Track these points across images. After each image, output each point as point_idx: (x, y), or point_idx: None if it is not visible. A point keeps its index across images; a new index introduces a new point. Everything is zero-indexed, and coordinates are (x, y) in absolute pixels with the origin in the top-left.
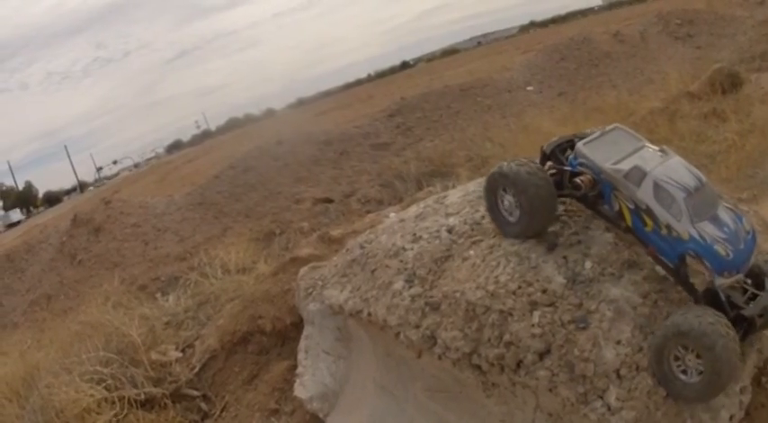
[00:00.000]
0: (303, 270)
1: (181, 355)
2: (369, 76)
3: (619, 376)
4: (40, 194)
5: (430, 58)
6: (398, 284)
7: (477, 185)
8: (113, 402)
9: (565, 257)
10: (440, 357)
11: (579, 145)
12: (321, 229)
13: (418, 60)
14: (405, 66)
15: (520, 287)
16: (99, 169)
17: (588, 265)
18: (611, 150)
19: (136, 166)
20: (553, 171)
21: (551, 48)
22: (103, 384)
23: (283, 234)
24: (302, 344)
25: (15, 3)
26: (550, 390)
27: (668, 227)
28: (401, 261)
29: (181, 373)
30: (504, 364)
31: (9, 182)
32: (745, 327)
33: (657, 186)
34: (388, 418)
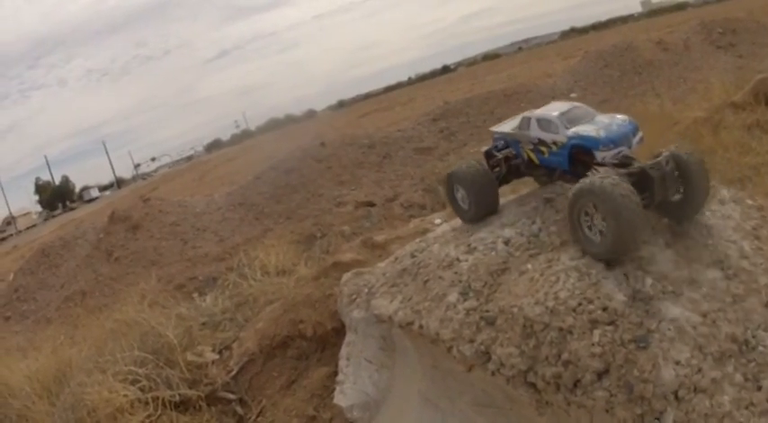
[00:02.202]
0: (346, 276)
1: (217, 356)
2: (409, 79)
3: (677, 398)
4: (77, 189)
5: (471, 63)
6: (452, 297)
7: (532, 197)
8: (147, 403)
9: (625, 274)
10: (493, 373)
11: (491, 128)
12: (363, 233)
13: (459, 64)
14: (446, 70)
15: (580, 304)
16: (137, 166)
17: (649, 282)
18: (515, 124)
19: (175, 163)
20: (494, 165)
21: (594, 54)
22: (138, 385)
23: (324, 237)
24: (344, 351)
25: None
26: (607, 410)
27: (554, 143)
28: (455, 272)
29: (217, 375)
30: (560, 383)
31: (46, 176)
32: (650, 193)
33: (539, 120)
34: None
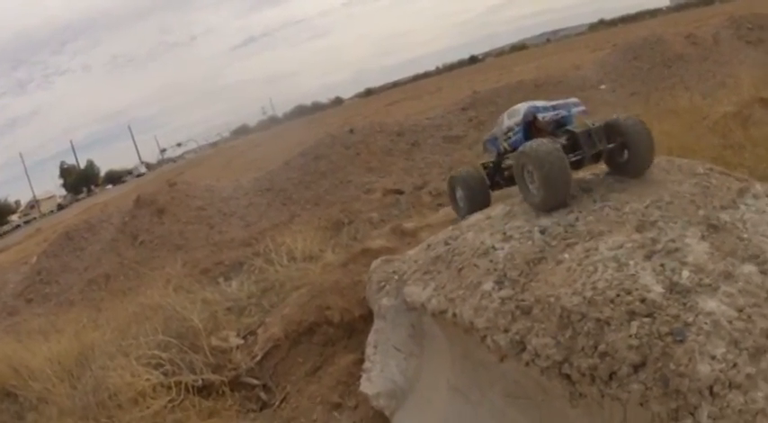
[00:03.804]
0: (376, 262)
1: (242, 342)
2: (437, 68)
3: (712, 393)
4: (102, 173)
5: (499, 53)
6: (487, 285)
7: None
8: (170, 387)
9: (662, 265)
10: (527, 364)
11: (484, 138)
12: (391, 220)
13: (487, 55)
14: (473, 60)
15: (618, 295)
16: (163, 151)
17: (686, 274)
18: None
19: (201, 148)
20: (489, 172)
21: (625, 47)
22: (161, 369)
23: (352, 224)
24: (371, 338)
25: None
26: (641, 404)
27: (516, 123)
28: (491, 261)
29: (241, 360)
30: (595, 375)
31: (71, 160)
32: (580, 150)
33: (509, 112)
34: (461, 422)
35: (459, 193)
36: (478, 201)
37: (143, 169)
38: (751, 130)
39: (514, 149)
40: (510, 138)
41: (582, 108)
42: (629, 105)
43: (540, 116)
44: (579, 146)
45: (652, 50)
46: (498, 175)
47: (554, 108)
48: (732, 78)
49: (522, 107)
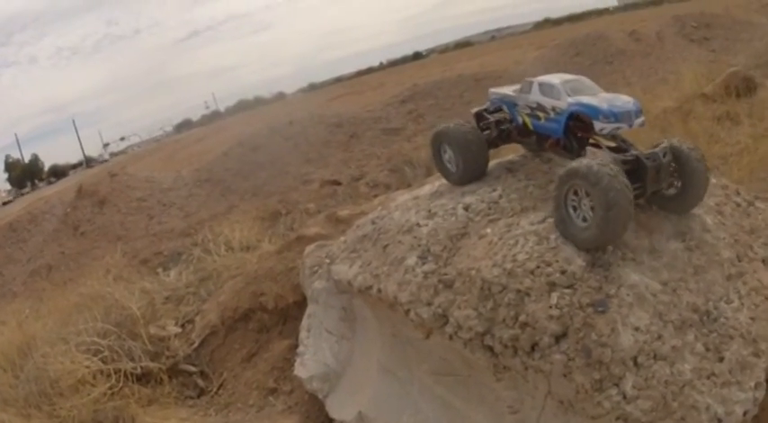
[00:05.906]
0: (309, 248)
1: (180, 330)
2: (381, 64)
3: (636, 364)
4: (46, 168)
5: (443, 50)
6: (411, 260)
7: (494, 167)
8: (109, 375)
9: None
10: (451, 337)
11: (490, 90)
12: (328, 210)
13: (431, 51)
14: (417, 56)
15: (538, 267)
16: (106, 145)
17: (609, 248)
18: (513, 88)
19: (145, 142)
20: (485, 127)
21: (567, 43)
22: (100, 356)
23: (289, 214)
24: (305, 322)
25: None
26: (565, 375)
27: (554, 108)
28: (415, 237)
29: (179, 348)
30: (518, 346)
31: (15, 154)
32: (642, 184)
33: (541, 84)
34: (391, 401)
35: (449, 154)
36: (476, 161)
37: (107, 156)
38: (691, 124)
39: (538, 133)
40: (537, 116)
41: (642, 120)
42: None
43: (597, 126)
44: (642, 177)
45: (594, 47)
46: (499, 138)
47: (614, 115)
48: (674, 75)
49: (562, 87)
